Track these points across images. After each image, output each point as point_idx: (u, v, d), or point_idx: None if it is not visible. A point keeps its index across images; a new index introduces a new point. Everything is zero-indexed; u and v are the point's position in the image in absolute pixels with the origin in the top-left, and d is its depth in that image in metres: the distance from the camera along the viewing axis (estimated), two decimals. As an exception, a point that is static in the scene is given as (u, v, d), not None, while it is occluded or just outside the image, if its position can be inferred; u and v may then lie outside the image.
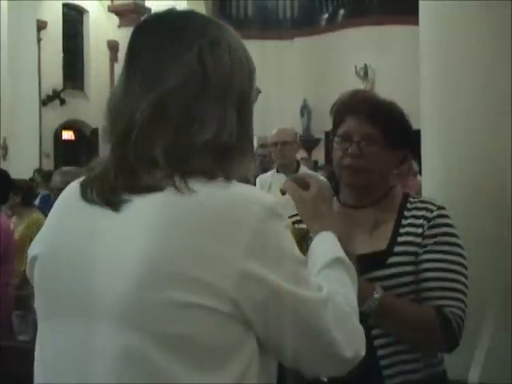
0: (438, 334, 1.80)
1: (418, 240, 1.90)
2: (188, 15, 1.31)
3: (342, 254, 1.46)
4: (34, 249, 1.29)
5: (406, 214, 1.94)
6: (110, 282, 1.16)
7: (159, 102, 1.19)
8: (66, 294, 1.21)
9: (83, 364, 1.18)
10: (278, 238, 1.18)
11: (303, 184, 1.72)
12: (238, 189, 1.19)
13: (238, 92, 1.24)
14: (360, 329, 1.30)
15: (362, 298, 1.58)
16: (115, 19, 16.56)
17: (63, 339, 1.21)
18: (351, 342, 1.26)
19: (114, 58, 18.21)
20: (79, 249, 1.21)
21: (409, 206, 1.96)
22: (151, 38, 1.27)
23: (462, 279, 1.88)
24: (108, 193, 1.20)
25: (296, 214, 2.02)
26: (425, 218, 1.91)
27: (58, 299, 1.22)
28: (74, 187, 1.28)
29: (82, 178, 1.28)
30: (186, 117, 1.18)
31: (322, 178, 1.74)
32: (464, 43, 2.58)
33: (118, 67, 16.56)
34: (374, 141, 1.91)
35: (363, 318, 1.41)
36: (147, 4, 16.48)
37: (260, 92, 1.42)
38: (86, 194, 1.23)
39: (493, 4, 2.54)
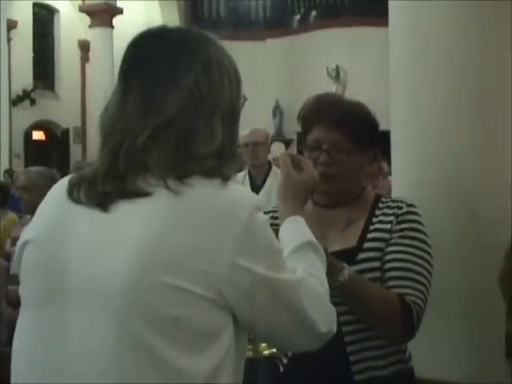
0: (398, 319, 1.83)
1: (387, 236, 1.92)
2: (182, 33, 1.37)
3: (311, 237, 1.56)
4: (24, 236, 1.35)
5: (377, 212, 1.97)
6: (104, 268, 1.23)
7: (157, 126, 1.27)
8: (60, 280, 1.26)
9: (79, 346, 1.23)
10: (263, 232, 1.30)
11: (298, 165, 1.76)
12: (229, 187, 1.29)
13: (227, 105, 1.35)
14: (331, 307, 1.41)
15: (330, 274, 1.62)
16: (86, 19, 16.44)
17: (56, 324, 1.26)
18: (325, 318, 1.37)
19: (85, 58, 18.12)
20: (71, 237, 1.28)
21: (380, 205, 1.99)
22: (148, 55, 1.33)
23: (425, 273, 1.90)
24: (97, 195, 1.27)
25: (273, 211, 2.04)
26: (395, 214, 1.94)
27: (50, 285, 1.28)
28: (65, 182, 1.35)
29: (71, 175, 1.35)
30: (183, 137, 1.28)
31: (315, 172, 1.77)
32: (435, 43, 2.61)
33: (89, 67, 16.53)
34: (344, 147, 1.93)
35: (331, 294, 1.46)
36: (119, 4, 16.40)
37: (247, 100, 1.48)
38: (72, 193, 1.30)
39: (464, 4, 2.57)
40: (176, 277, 1.20)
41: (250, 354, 1.70)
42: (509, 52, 2.63)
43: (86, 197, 1.27)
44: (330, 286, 1.46)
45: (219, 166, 1.30)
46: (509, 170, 2.56)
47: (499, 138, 2.62)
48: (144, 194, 1.24)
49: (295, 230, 1.60)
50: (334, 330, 1.40)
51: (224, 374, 1.26)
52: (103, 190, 1.26)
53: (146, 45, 1.35)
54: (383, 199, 2.02)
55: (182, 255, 1.21)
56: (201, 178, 1.27)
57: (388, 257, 1.88)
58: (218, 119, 1.32)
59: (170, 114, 1.27)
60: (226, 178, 1.29)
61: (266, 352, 1.84)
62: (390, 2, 2.80)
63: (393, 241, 1.90)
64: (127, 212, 1.25)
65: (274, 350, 1.86)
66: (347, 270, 1.80)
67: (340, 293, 1.80)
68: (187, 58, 1.31)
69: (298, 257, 1.50)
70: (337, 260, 1.81)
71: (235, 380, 1.31)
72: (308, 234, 1.57)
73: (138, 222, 1.23)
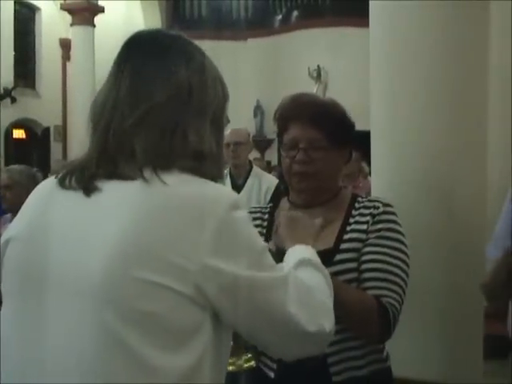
0: (375, 320, 1.84)
1: (363, 236, 1.93)
2: (176, 37, 1.42)
3: (311, 255, 1.56)
4: (8, 232, 1.37)
5: (354, 212, 1.98)
6: (83, 261, 1.24)
7: (146, 113, 1.30)
8: (41, 273, 1.28)
9: (59, 339, 1.25)
10: (242, 229, 1.30)
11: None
12: (209, 184, 1.31)
13: (214, 109, 1.39)
14: (326, 305, 1.40)
15: None
16: (68, 17, 16.34)
17: (38, 317, 1.27)
18: (314, 316, 1.35)
19: (66, 57, 17.99)
20: (53, 231, 1.30)
21: (357, 205, 1.99)
22: (142, 48, 1.38)
23: (401, 274, 1.91)
24: (87, 179, 1.30)
25: (252, 212, 2.04)
26: (371, 214, 1.94)
27: (31, 279, 1.29)
28: (50, 180, 1.39)
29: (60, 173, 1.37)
30: (169, 127, 1.31)
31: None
32: (415, 44, 2.62)
33: (70, 66, 16.42)
34: (320, 145, 1.94)
35: None
36: (100, 3, 16.32)
37: (229, 122, 1.53)
38: (64, 181, 1.33)
39: (443, 5, 2.58)
40: (151, 271, 1.20)
41: (231, 367, 1.68)
42: (487, 53, 2.66)
43: (77, 181, 1.31)
44: None
45: (201, 166, 1.32)
46: (487, 170, 2.58)
47: (477, 138, 2.65)
48: (130, 178, 1.27)
49: (293, 253, 1.60)
50: (328, 328, 1.37)
51: (202, 372, 1.26)
52: (96, 171, 1.30)
53: (143, 40, 1.39)
54: (359, 199, 2.02)
55: (158, 250, 1.21)
56: (182, 173, 1.29)
57: (364, 257, 1.89)
58: (204, 120, 1.36)
59: (157, 102, 1.30)
60: (207, 178, 1.31)
61: (246, 365, 1.82)
62: (370, 3, 2.82)
63: (369, 241, 1.91)
64: (109, 201, 1.27)
65: (253, 364, 1.84)
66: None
67: None
68: (182, 57, 1.36)
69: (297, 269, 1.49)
70: None
71: (216, 379, 1.30)
72: (307, 253, 1.58)
73: (118, 214, 1.24)
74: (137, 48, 1.38)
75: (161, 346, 1.21)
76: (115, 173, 1.28)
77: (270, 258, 1.35)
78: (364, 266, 1.87)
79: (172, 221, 1.23)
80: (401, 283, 1.89)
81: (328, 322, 1.38)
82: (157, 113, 1.31)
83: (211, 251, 1.23)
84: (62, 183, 1.33)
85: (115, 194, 1.27)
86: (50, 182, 1.37)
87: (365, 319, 1.85)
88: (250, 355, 1.89)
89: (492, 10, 2.77)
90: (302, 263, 1.51)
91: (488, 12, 2.72)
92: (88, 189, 1.29)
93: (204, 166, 1.33)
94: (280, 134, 2.03)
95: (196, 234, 1.23)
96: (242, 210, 1.31)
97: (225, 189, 1.35)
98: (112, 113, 1.32)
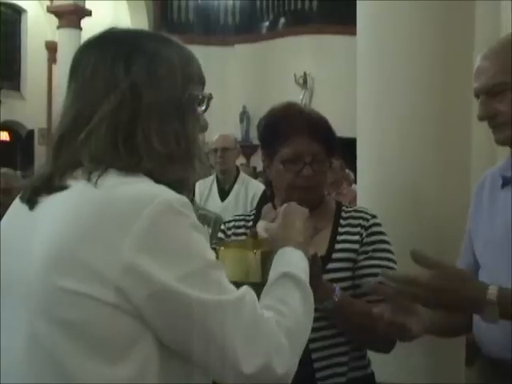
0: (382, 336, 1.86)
1: (356, 246, 1.95)
2: (123, 34, 1.36)
3: (291, 268, 1.41)
4: None
5: (342, 222, 2.00)
6: (17, 271, 1.23)
7: (94, 125, 1.26)
8: None
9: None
10: (175, 235, 1.18)
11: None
12: (149, 185, 1.22)
13: (176, 101, 1.30)
14: (280, 344, 1.24)
15: (320, 297, 1.65)
16: (54, 20, 16.29)
17: None
18: (255, 356, 1.20)
19: (52, 59, 17.93)
20: (4, 240, 1.31)
21: (344, 214, 2.02)
22: (86, 55, 1.34)
23: None
24: (28, 191, 1.29)
25: (236, 220, 2.04)
26: (361, 226, 1.97)
27: None
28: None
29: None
30: (121, 133, 1.25)
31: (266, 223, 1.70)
32: (401, 52, 2.64)
33: (56, 68, 16.35)
34: (321, 158, 1.95)
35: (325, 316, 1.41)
36: (88, 5, 16.27)
37: (211, 98, 1.43)
38: (23, 193, 1.32)
39: (430, 16, 2.60)
40: (73, 279, 1.15)
41: None
42: (472, 64, 2.67)
43: (26, 194, 1.30)
44: (324, 307, 1.37)
45: (165, 168, 1.25)
46: (470, 183, 2.60)
47: (462, 150, 2.67)
48: (61, 188, 1.24)
49: (278, 262, 1.46)
50: (280, 371, 1.21)
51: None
52: (34, 184, 1.29)
53: (88, 46, 1.36)
54: (344, 208, 2.05)
55: (79, 256, 1.16)
56: (118, 175, 1.22)
57: (364, 271, 1.92)
58: (164, 117, 1.28)
59: (104, 112, 1.26)
60: (173, 180, 1.24)
61: None
62: (358, 12, 2.83)
63: (367, 255, 1.94)
64: (44, 210, 1.25)
65: None
66: (336, 296, 1.82)
67: (335, 312, 1.82)
68: (122, 57, 1.30)
69: (270, 290, 1.37)
70: (328, 282, 1.83)
71: None
72: (288, 265, 1.42)
73: (50, 223, 1.22)
74: (79, 59, 1.35)
75: (94, 358, 1.15)
76: (50, 187, 1.26)
77: (218, 276, 1.22)
78: (364, 280, 1.90)
79: (95, 225, 1.16)
80: None
81: (280, 362, 1.22)
82: (104, 123, 1.25)
83: (134, 255, 1.14)
84: (21, 195, 1.33)
85: (53, 203, 1.25)
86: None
87: (370, 333, 1.85)
88: None
89: (477, 23, 2.80)
90: (285, 277, 1.38)
91: (473, 24, 2.74)
92: (28, 201, 1.29)
93: (169, 167, 1.26)
94: (273, 147, 2.00)
95: (120, 236, 1.14)
96: (183, 214, 1.20)
97: (165, 191, 1.21)
98: (62, 129, 1.30)
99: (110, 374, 1.16)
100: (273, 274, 1.41)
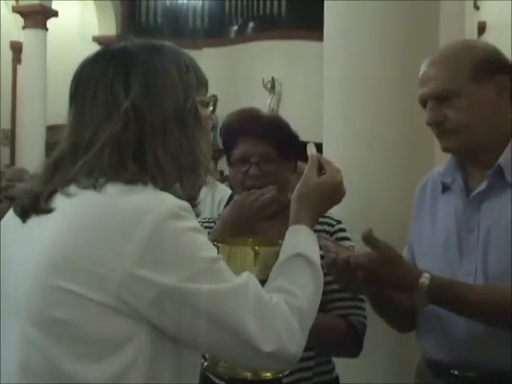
0: (347, 341, 1.87)
1: (321, 253, 1.95)
2: (116, 54, 1.36)
3: (304, 249, 1.44)
4: None
5: None
6: (17, 279, 1.24)
7: (97, 149, 1.26)
8: None
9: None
10: (177, 240, 1.21)
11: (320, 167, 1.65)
12: (151, 193, 1.24)
13: (177, 114, 1.31)
14: (291, 325, 1.28)
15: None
16: (20, 20, 16.10)
17: None
18: (270, 335, 1.25)
19: (17, 59, 17.71)
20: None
21: None
22: (88, 76, 1.34)
23: None
24: (22, 211, 1.31)
25: (202, 222, 2.03)
26: (326, 232, 1.98)
27: None
28: None
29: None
30: (127, 154, 1.26)
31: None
32: (368, 57, 2.66)
33: (21, 68, 16.18)
34: (271, 158, 1.96)
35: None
36: (54, 6, 16.12)
37: (217, 100, 1.44)
38: (14, 208, 1.35)
39: (396, 19, 2.63)
40: (69, 280, 1.17)
41: (248, 374, 1.60)
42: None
43: (14, 209, 1.33)
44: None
45: (162, 177, 1.26)
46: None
47: (425, 150, 2.69)
48: (46, 211, 1.25)
49: (291, 240, 1.49)
50: (291, 350, 1.27)
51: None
52: (23, 203, 1.30)
53: (85, 67, 1.37)
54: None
55: (79, 259, 1.18)
56: (120, 184, 1.24)
57: (328, 278, 1.91)
58: (168, 132, 1.29)
59: (107, 138, 1.27)
60: (181, 196, 1.25)
61: (267, 374, 1.62)
62: (325, 17, 2.85)
63: None
64: (39, 222, 1.27)
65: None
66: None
67: None
68: (121, 80, 1.30)
69: (282, 269, 1.41)
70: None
71: None
72: (301, 245, 1.45)
73: (52, 226, 1.23)
74: (78, 84, 1.36)
75: (82, 357, 1.18)
76: (42, 207, 1.28)
77: (221, 266, 1.27)
78: (330, 288, 1.88)
79: (97, 230, 1.18)
80: (364, 298, 1.93)
81: (291, 344, 1.28)
82: (105, 151, 1.26)
83: (137, 261, 1.17)
84: (13, 209, 1.34)
85: (57, 207, 1.26)
86: None
87: (338, 345, 1.89)
88: None
89: (442, 24, 2.83)
90: (289, 260, 1.41)
91: (438, 25, 2.78)
92: (22, 218, 1.30)
93: (179, 180, 1.28)
94: (228, 150, 2.03)
95: (122, 243, 1.17)
96: (184, 219, 1.23)
97: (166, 197, 1.25)
98: (60, 153, 1.31)
99: (99, 372, 1.18)
100: (285, 252, 1.44)
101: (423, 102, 1.91)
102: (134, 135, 1.27)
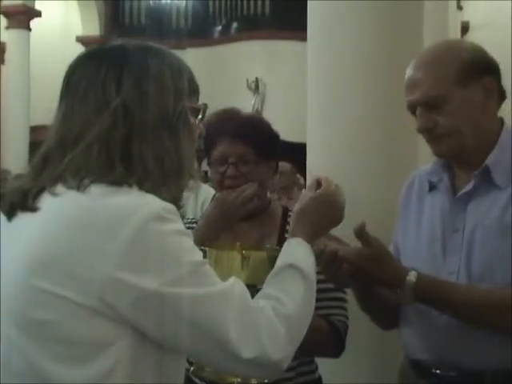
0: (329, 341, 1.88)
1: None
2: (110, 52, 1.37)
3: (296, 260, 1.44)
4: None
5: (288, 227, 1.99)
6: (1, 279, 1.24)
7: (85, 145, 1.26)
8: None
9: None
10: (161, 242, 1.20)
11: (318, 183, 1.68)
12: (136, 194, 1.23)
13: (165, 117, 1.31)
14: (276, 332, 1.26)
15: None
16: (3, 20, 16.00)
17: None
18: (250, 340, 1.23)
19: (0, 60, 17.61)
20: None
21: (290, 220, 2.01)
22: (76, 77, 1.34)
23: (344, 289, 1.95)
24: (10, 208, 1.30)
25: (185, 223, 2.03)
26: None
27: None
28: None
29: None
30: (116, 153, 1.26)
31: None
32: (352, 58, 2.67)
33: (4, 69, 16.06)
34: (249, 159, 1.96)
35: None
36: (37, 6, 16.04)
37: (207, 107, 1.45)
38: (2, 205, 1.34)
39: (381, 19, 2.63)
40: (51, 281, 1.17)
41: (234, 380, 1.58)
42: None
43: (2, 206, 1.32)
44: None
45: (157, 185, 1.25)
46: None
47: (409, 151, 2.71)
48: (33, 210, 1.25)
49: (285, 251, 1.49)
50: (273, 356, 1.24)
51: None
52: (12, 200, 1.29)
53: (78, 64, 1.36)
54: (290, 213, 2.05)
55: (61, 260, 1.17)
56: (105, 185, 1.23)
57: None
58: (155, 134, 1.29)
59: (93, 135, 1.26)
60: (164, 198, 1.24)
61: (253, 381, 1.63)
62: (308, 17, 2.85)
63: None
64: (25, 221, 1.26)
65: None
66: None
67: None
68: (113, 78, 1.30)
69: (273, 279, 1.41)
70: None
71: None
72: (295, 256, 1.45)
73: (35, 226, 1.23)
74: (70, 79, 1.35)
75: (62, 359, 1.17)
76: (30, 205, 1.27)
77: (206, 271, 1.26)
78: None
79: (80, 232, 1.18)
80: (345, 298, 1.93)
81: (275, 349, 1.25)
82: (93, 148, 1.26)
83: (120, 263, 1.16)
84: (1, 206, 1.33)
85: (42, 208, 1.26)
86: None
87: (319, 346, 1.89)
88: None
89: (425, 26, 2.84)
90: (282, 270, 1.41)
91: (422, 24, 2.79)
92: (9, 215, 1.30)
93: (163, 188, 1.26)
94: (208, 151, 2.04)
95: (105, 244, 1.16)
96: (169, 222, 1.22)
97: (151, 199, 1.24)
98: (48, 148, 1.30)
99: (80, 374, 1.17)
100: (279, 263, 1.44)
101: (412, 109, 1.91)
102: (121, 134, 1.27)
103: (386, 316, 2.04)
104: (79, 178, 1.24)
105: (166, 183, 1.29)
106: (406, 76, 1.92)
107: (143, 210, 1.19)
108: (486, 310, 1.73)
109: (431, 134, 1.87)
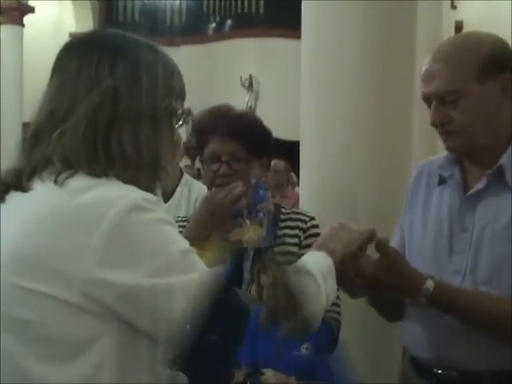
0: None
1: (295, 249, 1.96)
2: (106, 37, 1.36)
3: (308, 265, 1.50)
4: None
5: (281, 224, 2.00)
6: None
7: (69, 125, 1.25)
8: None
9: None
10: (143, 232, 1.18)
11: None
12: (115, 187, 1.22)
13: (152, 111, 1.31)
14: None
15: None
16: (-4, 16, 15.95)
17: None
18: None
19: (-7, 56, 17.53)
20: None
21: (282, 217, 2.03)
22: (69, 56, 1.33)
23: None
24: (2, 189, 1.28)
25: (178, 221, 2.03)
26: (300, 228, 1.98)
27: None
28: None
29: None
30: (94, 137, 1.24)
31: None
32: (345, 57, 2.67)
33: (-2, 65, 16.01)
34: (241, 157, 1.96)
35: None
36: (31, 2, 15.99)
37: (190, 113, 1.44)
38: None
39: (375, 19, 2.64)
40: (32, 278, 1.15)
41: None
42: (414, 68, 2.72)
43: None
44: None
45: (136, 175, 1.24)
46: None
47: (402, 151, 2.71)
48: (26, 190, 1.24)
49: (302, 259, 1.55)
50: None
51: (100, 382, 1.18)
52: (5, 180, 1.29)
53: (71, 48, 1.36)
54: (283, 210, 2.05)
55: (41, 257, 1.15)
56: (85, 178, 1.22)
57: None
58: (139, 125, 1.28)
59: (81, 114, 1.26)
60: (143, 188, 1.23)
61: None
62: (303, 15, 2.85)
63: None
64: (9, 211, 1.25)
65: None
66: None
67: None
68: (107, 61, 1.30)
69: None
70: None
71: None
72: (308, 262, 1.52)
73: (14, 223, 1.21)
74: (64, 57, 1.35)
75: (49, 358, 1.15)
76: (24, 185, 1.25)
77: (194, 260, 1.25)
78: None
79: (59, 227, 1.16)
80: (338, 294, 1.93)
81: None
82: (80, 125, 1.25)
83: (101, 257, 1.14)
84: None
85: (19, 203, 1.24)
86: None
87: None
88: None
89: (419, 26, 2.85)
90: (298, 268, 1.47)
91: (415, 24, 2.79)
92: (2, 194, 1.28)
93: (136, 175, 1.25)
94: (200, 148, 2.04)
95: (85, 239, 1.14)
96: (149, 211, 1.20)
97: (130, 190, 1.22)
98: (37, 125, 1.29)
99: (65, 373, 1.16)
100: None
101: (427, 101, 1.86)
102: (107, 116, 1.26)
103: (392, 309, 2.03)
104: (65, 163, 1.23)
105: (140, 172, 1.27)
106: (424, 67, 1.86)
107: (121, 203, 1.18)
108: (503, 322, 1.72)
109: (444, 128, 1.83)
